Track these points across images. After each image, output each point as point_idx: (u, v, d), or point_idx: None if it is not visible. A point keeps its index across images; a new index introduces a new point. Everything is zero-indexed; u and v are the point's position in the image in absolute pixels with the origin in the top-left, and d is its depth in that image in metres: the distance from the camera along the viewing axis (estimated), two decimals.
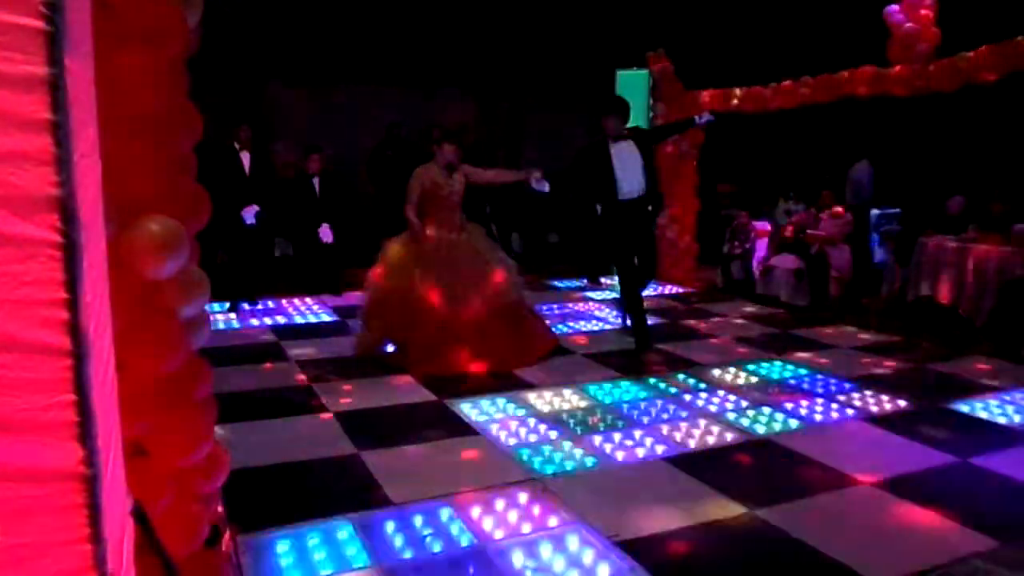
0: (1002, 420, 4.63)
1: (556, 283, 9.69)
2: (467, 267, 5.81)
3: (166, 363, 2.05)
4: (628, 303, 6.63)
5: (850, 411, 4.79)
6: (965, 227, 7.77)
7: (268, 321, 7.38)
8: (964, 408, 4.85)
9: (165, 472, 2.08)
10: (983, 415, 4.73)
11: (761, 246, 9.56)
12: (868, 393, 5.11)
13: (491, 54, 11.75)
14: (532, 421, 4.57)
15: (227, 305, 7.70)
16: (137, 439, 1.98)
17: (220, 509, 2.54)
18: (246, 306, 7.85)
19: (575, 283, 9.70)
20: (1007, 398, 5.03)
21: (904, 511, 3.45)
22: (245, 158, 7.85)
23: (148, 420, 1.98)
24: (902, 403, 4.93)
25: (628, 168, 6.21)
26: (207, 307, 2.43)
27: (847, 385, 5.32)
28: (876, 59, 7.48)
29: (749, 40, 10.85)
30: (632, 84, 10.28)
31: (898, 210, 10.12)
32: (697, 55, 10.05)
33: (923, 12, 7.19)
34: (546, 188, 6.07)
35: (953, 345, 6.46)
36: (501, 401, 4.93)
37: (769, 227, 9.71)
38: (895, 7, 7.28)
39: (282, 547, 3.08)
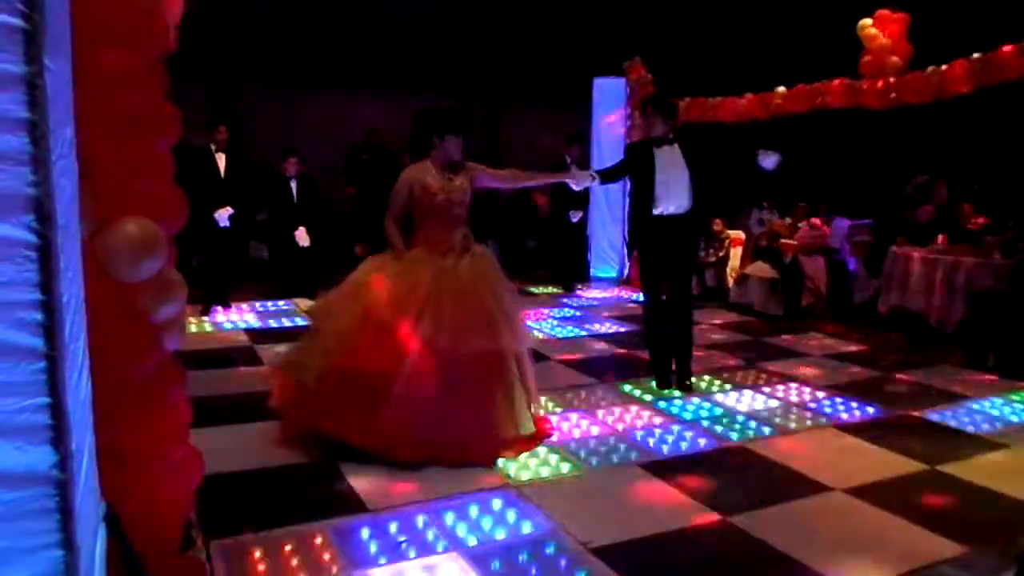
0: (970, 429, 4.70)
1: (532, 289, 9.70)
2: (454, 308, 4.11)
3: (140, 366, 2.03)
4: (647, 336, 5.79)
5: (822, 419, 4.84)
6: (934, 236, 7.89)
7: (242, 324, 7.32)
8: (934, 416, 4.92)
9: (138, 476, 2.06)
10: (952, 423, 4.79)
11: (735, 255, 9.64)
12: (839, 401, 5.17)
13: (470, 57, 11.77)
14: None
15: (200, 308, 7.63)
16: (110, 442, 1.96)
17: (194, 514, 2.52)
18: (220, 309, 7.78)
19: (552, 289, 9.71)
20: (975, 407, 5.11)
21: (875, 518, 3.49)
22: (221, 160, 7.79)
23: (122, 423, 1.96)
24: (872, 411, 4.99)
25: (671, 179, 5.25)
26: (183, 310, 2.41)
27: (819, 393, 5.37)
28: (849, 71, 7.59)
29: (725, 51, 10.96)
30: (609, 92, 10.36)
31: (869, 221, 10.25)
32: (674, 64, 10.13)
33: (895, 27, 7.31)
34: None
35: (923, 354, 6.56)
36: None
37: (743, 236, 9.79)
38: (868, 21, 7.40)
39: (256, 553, 3.05)
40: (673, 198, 5.25)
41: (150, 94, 2.04)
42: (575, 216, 9.75)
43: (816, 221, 8.96)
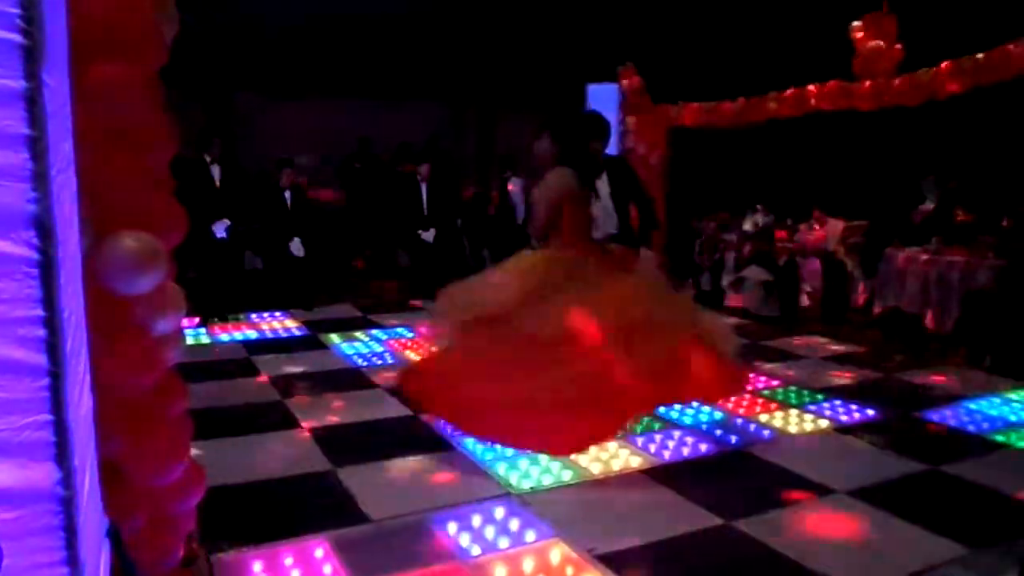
0: (970, 428, 4.71)
1: None
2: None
3: (141, 380, 2.02)
4: None
5: (822, 421, 4.84)
6: (929, 237, 7.92)
7: (239, 336, 7.30)
8: (933, 417, 4.93)
9: (140, 492, 2.05)
10: (952, 423, 4.80)
11: (730, 258, 9.66)
12: (838, 403, 5.17)
13: (463, 64, 11.80)
14: None
15: (198, 320, 7.61)
16: (112, 458, 1.94)
17: (195, 528, 2.50)
18: (217, 321, 7.76)
19: None
20: (974, 407, 5.12)
21: (877, 520, 3.49)
22: (215, 171, 7.79)
23: (123, 439, 1.95)
24: (872, 412, 4.99)
25: (604, 203, 5.14)
26: (182, 323, 2.40)
27: (818, 396, 5.37)
28: (842, 74, 7.63)
29: (718, 56, 11.00)
30: (602, 98, 10.38)
31: (864, 222, 10.28)
32: (666, 70, 10.17)
33: (886, 29, 7.35)
34: None
35: (920, 355, 6.57)
36: None
37: (735, 239, 9.82)
38: (859, 23, 7.44)
39: (257, 567, 3.03)
40: (607, 222, 5.19)
41: (148, 107, 2.03)
42: None
43: (815, 224, 8.99)
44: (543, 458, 4.17)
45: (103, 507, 1.72)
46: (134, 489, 2.00)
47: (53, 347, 1.30)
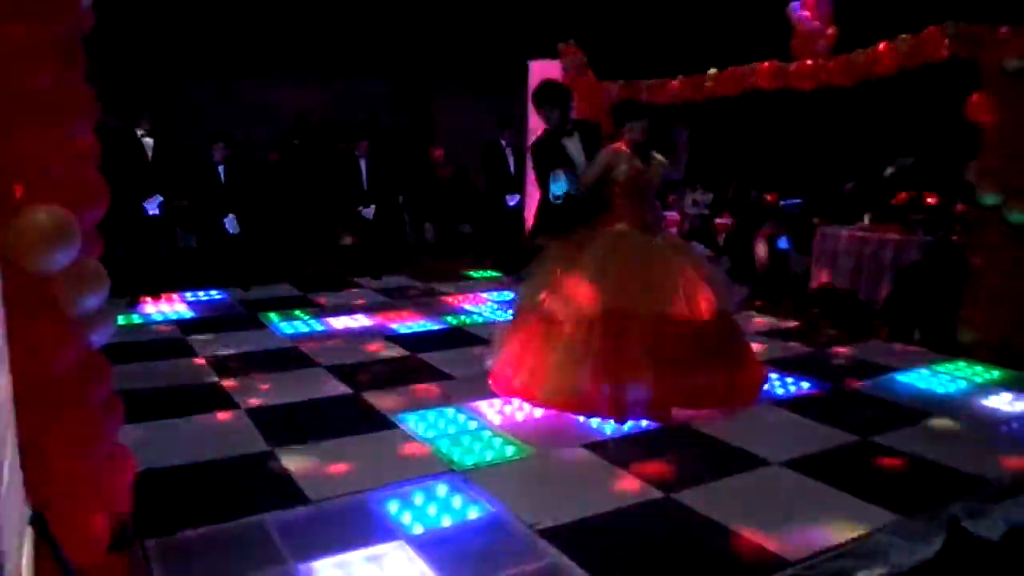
0: (900, 400, 4.85)
1: (471, 273, 9.66)
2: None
3: (58, 361, 1.93)
4: None
5: None
6: (858, 211, 8.12)
7: (172, 315, 7.10)
8: (863, 389, 5.07)
9: (64, 475, 1.96)
10: (883, 395, 4.94)
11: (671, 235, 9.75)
12: (774, 376, 5.27)
13: (403, 40, 11.62)
14: (450, 411, 4.53)
15: (127, 299, 7.37)
16: (31, 441, 1.86)
17: (128, 512, 2.42)
18: (149, 300, 7.54)
19: (491, 273, 9.68)
20: (903, 379, 5.28)
21: (812, 489, 3.58)
22: (148, 145, 7.53)
23: (41, 421, 1.86)
24: (806, 385, 5.11)
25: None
26: (107, 302, 2.30)
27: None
28: (779, 54, 7.72)
29: (658, 33, 11.05)
30: (544, 75, 10.30)
31: (799, 200, 10.49)
32: (608, 47, 10.16)
33: (823, 9, 7.46)
34: None
35: (852, 330, 6.75)
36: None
37: (678, 216, 9.92)
38: (797, 3, 7.53)
39: (195, 550, 2.96)
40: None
41: (63, 72, 1.93)
42: (512, 200, 9.74)
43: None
44: (486, 434, 4.17)
45: (25, 493, 1.64)
46: (56, 473, 1.91)
47: None
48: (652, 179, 4.82)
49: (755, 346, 5.75)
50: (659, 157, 4.88)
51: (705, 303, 4.53)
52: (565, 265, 4.65)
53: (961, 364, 5.61)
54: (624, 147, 4.78)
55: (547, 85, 5.38)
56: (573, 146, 5.17)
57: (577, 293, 4.50)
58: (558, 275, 4.65)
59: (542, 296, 4.65)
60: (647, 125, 4.80)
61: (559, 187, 4.80)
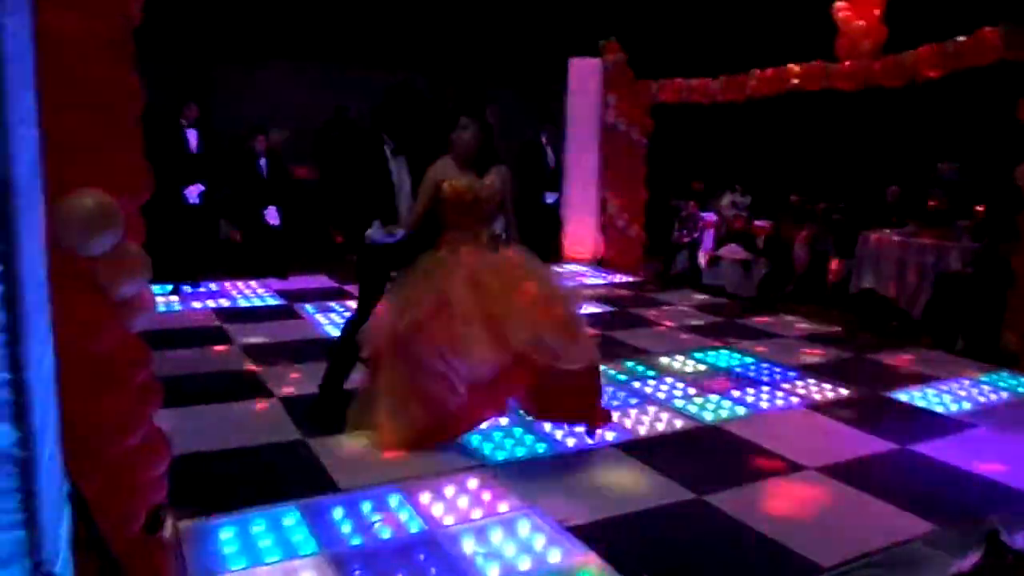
0: (939, 409, 4.76)
1: None
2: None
3: (99, 343, 1.96)
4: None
5: (794, 399, 4.87)
6: (902, 217, 7.98)
7: (212, 304, 7.21)
8: (903, 397, 4.98)
9: (101, 456, 2.00)
10: (921, 403, 4.85)
11: (708, 236, 9.68)
12: (811, 381, 5.20)
13: (445, 36, 11.64)
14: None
15: (169, 287, 7.49)
16: (70, 421, 1.90)
17: (163, 495, 2.46)
18: (188, 288, 7.65)
19: None
20: (943, 388, 5.17)
21: (846, 496, 3.52)
22: (192, 136, 7.65)
23: (81, 402, 1.89)
24: (843, 391, 5.03)
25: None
26: (148, 288, 2.34)
27: (791, 373, 5.41)
28: (824, 54, 7.61)
29: (700, 33, 10.94)
30: (584, 72, 10.29)
31: (841, 204, 10.34)
32: (649, 45, 10.09)
33: (870, 10, 7.33)
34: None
35: (892, 336, 6.63)
36: None
37: (715, 218, 9.84)
38: (844, 3, 7.41)
39: (226, 534, 3.00)
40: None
41: (114, 62, 1.96)
42: (551, 197, 9.73)
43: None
44: (518, 431, 4.17)
45: (65, 471, 1.67)
46: (94, 453, 1.95)
47: (11, 301, 1.25)
48: (484, 195, 4.00)
49: (784, 350, 5.68)
50: (502, 168, 4.13)
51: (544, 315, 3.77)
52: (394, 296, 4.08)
53: (1004, 374, 5.48)
54: (451, 159, 4.03)
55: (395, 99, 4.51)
56: (397, 168, 4.40)
57: (378, 324, 4.01)
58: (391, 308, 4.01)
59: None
60: (479, 131, 4.03)
61: (381, 238, 4.19)
